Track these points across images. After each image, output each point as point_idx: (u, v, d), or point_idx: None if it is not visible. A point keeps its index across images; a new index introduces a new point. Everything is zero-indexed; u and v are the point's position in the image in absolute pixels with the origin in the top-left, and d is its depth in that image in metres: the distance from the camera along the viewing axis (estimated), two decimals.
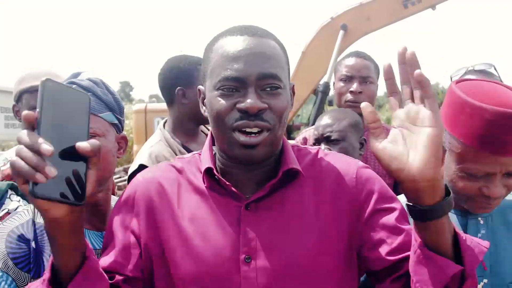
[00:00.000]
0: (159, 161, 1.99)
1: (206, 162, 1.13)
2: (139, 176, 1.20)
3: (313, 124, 3.08)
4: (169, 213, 1.12)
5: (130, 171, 2.07)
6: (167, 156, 2.04)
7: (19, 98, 1.94)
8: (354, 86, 2.31)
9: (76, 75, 1.32)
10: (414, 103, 0.91)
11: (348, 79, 2.33)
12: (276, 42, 1.10)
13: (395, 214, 1.10)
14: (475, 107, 1.14)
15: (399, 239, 1.06)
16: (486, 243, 0.96)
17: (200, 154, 1.20)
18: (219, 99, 1.05)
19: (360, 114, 2.23)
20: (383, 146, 0.92)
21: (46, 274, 0.94)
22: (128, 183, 2.07)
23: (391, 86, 0.95)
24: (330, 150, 1.85)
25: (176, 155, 2.06)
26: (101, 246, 1.26)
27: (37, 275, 1.16)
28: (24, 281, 1.14)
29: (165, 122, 2.27)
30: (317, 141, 1.97)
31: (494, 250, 1.27)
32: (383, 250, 1.07)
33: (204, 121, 2.21)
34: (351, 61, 2.37)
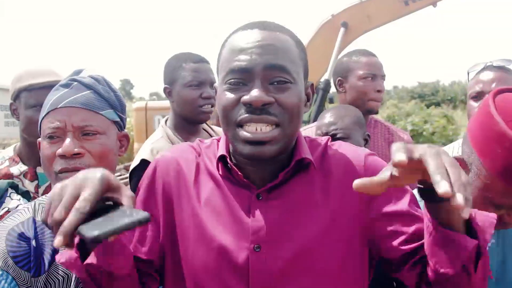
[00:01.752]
0: None
1: (222, 149, 1.12)
2: (159, 155, 1.20)
3: (314, 121, 3.07)
4: (186, 194, 1.13)
5: (131, 167, 2.06)
6: None
7: (16, 96, 1.92)
8: (381, 85, 2.37)
9: (78, 72, 1.32)
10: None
11: (372, 77, 2.37)
12: (290, 37, 1.07)
13: (406, 201, 1.07)
14: None
15: (413, 227, 1.04)
16: (493, 215, 0.93)
17: (219, 141, 1.18)
18: (226, 93, 1.03)
19: (374, 112, 2.37)
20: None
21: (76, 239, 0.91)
22: (130, 179, 2.08)
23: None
24: None
25: None
26: None
27: (37, 273, 1.15)
28: (24, 280, 1.13)
29: (166, 120, 2.27)
30: None
31: (502, 260, 1.24)
32: (398, 239, 1.04)
33: (194, 120, 2.19)
34: (371, 60, 2.40)
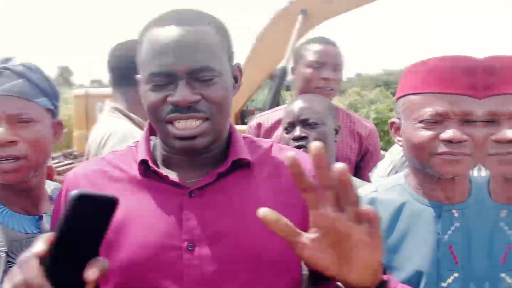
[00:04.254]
0: None
1: (142, 154, 1.10)
2: (70, 173, 1.17)
3: (269, 109, 3.04)
4: None
5: None
6: None
7: None
8: (328, 73, 2.31)
9: (7, 60, 1.31)
10: (341, 213, 0.77)
11: (319, 65, 2.31)
12: (210, 25, 1.05)
13: None
14: (436, 58, 1.19)
15: None
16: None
17: (136, 146, 1.17)
18: (150, 92, 1.03)
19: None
20: (309, 254, 0.80)
21: None
22: None
23: (301, 182, 0.79)
24: (307, 134, 1.73)
25: None
26: (32, 230, 1.27)
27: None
28: None
29: None
30: (291, 126, 1.78)
31: (467, 243, 1.21)
32: None
33: None
34: (321, 47, 2.34)
